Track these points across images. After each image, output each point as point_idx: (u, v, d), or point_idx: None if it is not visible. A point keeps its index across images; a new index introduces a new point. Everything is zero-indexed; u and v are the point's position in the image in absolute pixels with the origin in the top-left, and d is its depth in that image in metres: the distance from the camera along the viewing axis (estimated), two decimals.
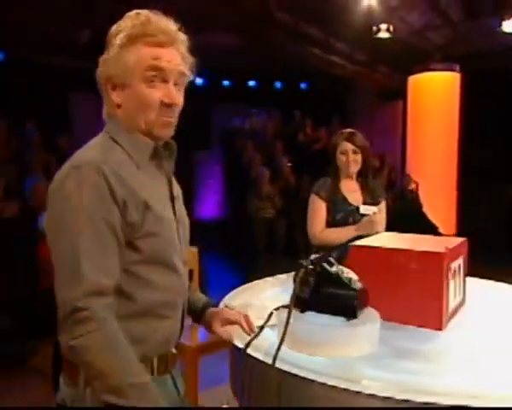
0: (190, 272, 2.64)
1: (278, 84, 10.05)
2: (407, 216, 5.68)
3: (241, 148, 8.28)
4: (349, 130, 2.55)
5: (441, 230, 5.27)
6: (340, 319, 1.35)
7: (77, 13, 6.05)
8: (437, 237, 1.79)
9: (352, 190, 2.49)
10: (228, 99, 9.54)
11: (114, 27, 1.16)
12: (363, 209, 2.43)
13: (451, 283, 1.59)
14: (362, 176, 2.52)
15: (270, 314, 1.39)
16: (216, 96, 9.65)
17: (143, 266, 1.12)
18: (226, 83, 10.08)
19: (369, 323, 1.37)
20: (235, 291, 1.94)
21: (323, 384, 1.17)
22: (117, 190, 1.07)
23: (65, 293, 1.02)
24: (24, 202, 4.40)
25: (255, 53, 7.31)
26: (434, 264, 1.52)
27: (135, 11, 1.16)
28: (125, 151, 1.15)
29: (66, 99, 8.33)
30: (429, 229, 5.09)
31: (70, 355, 1.05)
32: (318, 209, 2.45)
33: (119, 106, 1.16)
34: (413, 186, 6.26)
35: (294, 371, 1.23)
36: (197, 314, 1.40)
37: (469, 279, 1.90)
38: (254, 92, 9.93)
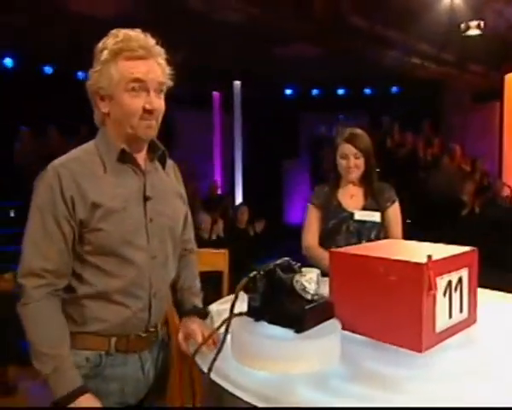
0: (220, 274, 2.67)
1: (368, 91, 9.76)
2: (498, 224, 5.18)
3: (327, 155, 8.18)
4: (351, 129, 2.31)
5: None
6: (291, 332, 1.28)
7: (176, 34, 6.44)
8: (449, 247, 1.58)
9: (350, 196, 2.29)
10: (316, 108, 9.51)
11: (100, 44, 1.32)
12: (359, 215, 2.22)
13: (441, 298, 1.41)
14: (365, 180, 2.29)
15: (224, 322, 1.35)
16: (305, 105, 9.68)
17: (95, 256, 1.30)
18: (315, 92, 10.05)
19: (323, 338, 1.27)
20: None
21: (248, 403, 1.11)
22: (67, 190, 1.26)
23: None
24: None
25: (337, 61, 7.18)
26: (413, 276, 1.36)
27: (116, 30, 1.32)
28: (100, 155, 1.33)
29: (169, 115, 8.87)
30: None
31: None
32: (311, 220, 2.30)
33: (107, 114, 1.33)
34: (507, 193, 5.69)
35: (225, 384, 1.18)
36: (180, 318, 1.50)
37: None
38: (343, 100, 9.78)
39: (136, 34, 1.30)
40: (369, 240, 2.21)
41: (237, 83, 8.95)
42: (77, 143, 1.41)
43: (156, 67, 1.31)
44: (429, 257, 1.36)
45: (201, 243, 4.78)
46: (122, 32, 1.30)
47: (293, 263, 1.43)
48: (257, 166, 9.23)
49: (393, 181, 7.07)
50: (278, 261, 1.41)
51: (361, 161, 2.24)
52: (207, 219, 5.10)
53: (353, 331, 1.48)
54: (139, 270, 1.33)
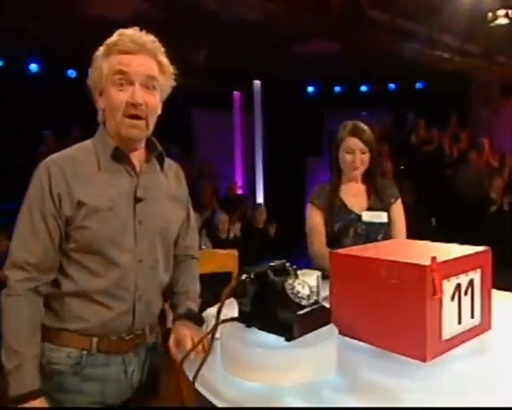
0: (229, 275, 2.60)
1: (392, 86, 9.53)
2: None
3: None
4: (354, 122, 2.16)
5: None
6: (283, 340, 1.19)
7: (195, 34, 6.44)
8: (461, 247, 1.46)
9: (353, 195, 2.16)
10: (339, 105, 9.34)
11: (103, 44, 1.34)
12: (367, 217, 2.10)
13: (448, 303, 1.30)
14: (369, 177, 2.16)
15: (214, 328, 1.28)
16: (327, 103, 9.53)
17: (80, 253, 1.29)
18: (337, 89, 9.88)
19: (316, 346, 1.17)
20: None
21: None
22: (55, 187, 1.27)
23: None
24: None
25: (358, 56, 7.02)
26: (416, 279, 1.25)
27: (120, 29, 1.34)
28: (96, 152, 1.33)
29: (189, 115, 8.91)
30: None
31: None
32: (314, 223, 2.15)
33: (104, 110, 1.33)
34: None
35: (208, 395, 1.11)
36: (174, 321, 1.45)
37: None
38: (366, 96, 9.58)
39: (131, 31, 1.30)
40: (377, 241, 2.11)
41: (257, 82, 8.87)
42: None
43: (148, 62, 1.29)
44: (433, 258, 1.25)
45: (219, 242, 4.74)
46: (120, 30, 1.31)
47: (289, 265, 1.34)
48: (279, 165, 9.13)
49: (419, 179, 6.88)
50: (273, 263, 1.33)
51: (367, 157, 2.12)
52: (225, 219, 5.05)
53: (353, 337, 1.39)
54: (124, 272, 1.31)
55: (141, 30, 1.32)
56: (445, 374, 1.22)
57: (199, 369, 1.16)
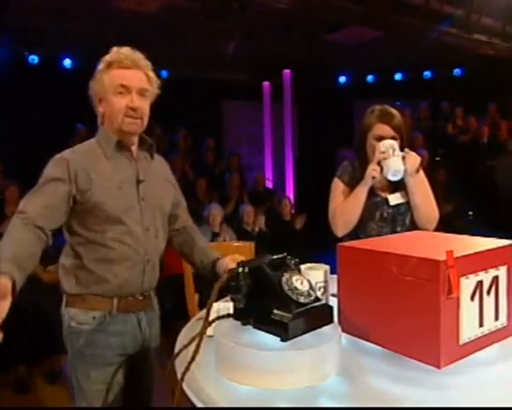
0: None
1: (428, 74, 9.16)
2: None
3: None
4: (383, 107, 2.00)
5: None
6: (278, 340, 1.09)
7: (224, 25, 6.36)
8: (481, 240, 1.32)
9: (378, 177, 1.96)
10: (372, 95, 9.06)
11: (102, 58, 1.61)
12: (394, 199, 1.95)
13: (467, 303, 1.17)
14: None
15: (204, 326, 1.19)
16: (360, 92, 9.26)
17: (102, 225, 1.53)
18: (370, 78, 9.58)
19: (315, 348, 1.07)
20: None
21: None
22: (72, 167, 1.52)
23: None
24: None
25: (392, 43, 6.76)
26: (429, 276, 1.12)
27: (114, 47, 1.61)
28: (101, 147, 1.61)
29: (219, 107, 8.87)
30: None
31: None
32: (340, 195, 2.01)
33: (104, 114, 1.63)
34: None
35: (194, 398, 1.03)
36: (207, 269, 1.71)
37: None
38: (401, 85, 9.25)
39: (126, 49, 1.60)
40: (404, 228, 1.98)
41: (287, 72, 8.70)
42: None
43: (140, 76, 1.60)
44: (449, 253, 1.11)
45: (244, 235, 4.66)
46: (116, 49, 1.61)
47: (289, 259, 1.24)
48: (309, 156, 8.94)
49: (455, 170, 6.57)
50: (274, 257, 1.23)
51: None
52: (250, 210, 4.96)
53: (361, 338, 1.28)
54: (136, 238, 1.58)
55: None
56: (461, 383, 1.09)
57: (186, 369, 1.08)
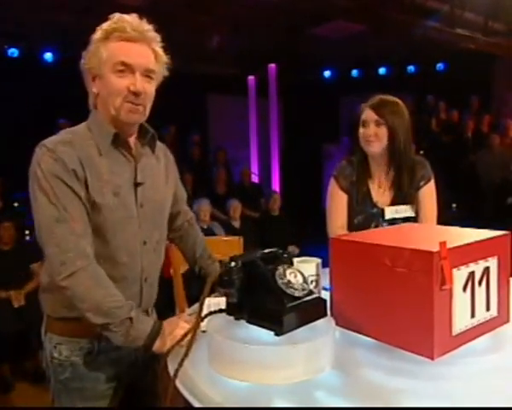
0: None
1: (412, 69, 9.21)
2: None
3: None
4: (382, 96, 1.92)
5: None
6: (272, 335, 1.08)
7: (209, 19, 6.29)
8: (477, 231, 1.32)
9: (378, 183, 1.95)
10: (357, 90, 9.09)
11: (98, 27, 1.30)
12: (390, 213, 1.88)
13: (460, 294, 1.17)
14: (394, 165, 1.91)
15: (196, 322, 1.17)
16: (345, 87, 9.28)
17: (107, 226, 1.29)
18: (355, 73, 9.61)
19: (309, 341, 1.06)
20: None
21: None
22: (69, 162, 1.24)
23: None
24: None
25: (376, 38, 6.78)
26: (422, 267, 1.12)
27: (116, 14, 1.31)
28: (94, 138, 1.31)
29: (204, 101, 8.81)
30: None
31: None
32: (336, 202, 1.96)
33: (97, 95, 1.32)
34: None
35: (187, 395, 1.01)
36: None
37: None
38: (385, 80, 9.28)
39: (131, 17, 1.29)
40: None
41: (272, 66, 8.67)
42: None
43: (147, 52, 1.30)
44: (442, 244, 1.12)
45: (231, 230, 4.64)
46: (118, 15, 1.30)
47: (282, 252, 1.23)
48: (294, 151, 8.94)
49: (439, 163, 6.68)
50: (266, 251, 1.22)
51: (383, 131, 1.86)
52: (237, 205, 4.94)
53: (355, 331, 1.27)
54: (132, 255, 1.34)
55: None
56: (455, 373, 1.10)
57: (180, 365, 1.06)
